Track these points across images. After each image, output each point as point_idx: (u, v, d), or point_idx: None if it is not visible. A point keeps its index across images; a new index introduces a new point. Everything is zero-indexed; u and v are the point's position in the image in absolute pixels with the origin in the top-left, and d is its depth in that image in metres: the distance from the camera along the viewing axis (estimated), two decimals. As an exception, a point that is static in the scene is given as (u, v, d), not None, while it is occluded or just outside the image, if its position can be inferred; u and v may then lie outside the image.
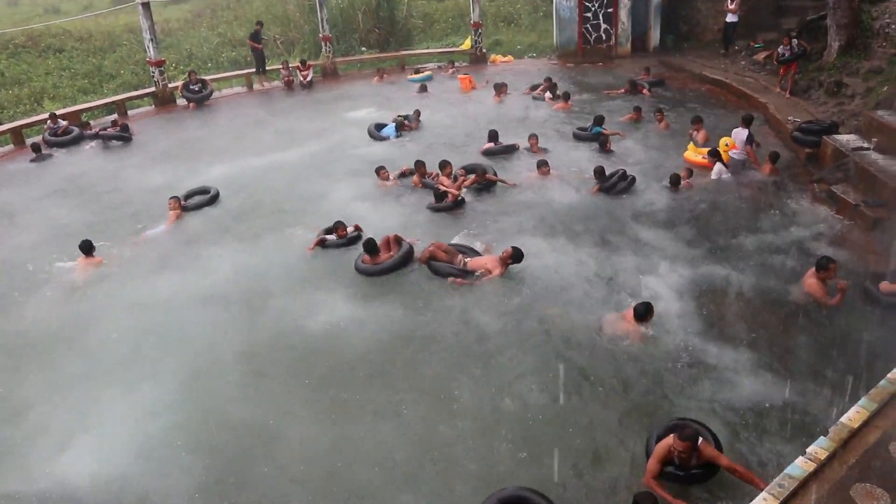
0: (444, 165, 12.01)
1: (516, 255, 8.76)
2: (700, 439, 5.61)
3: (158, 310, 8.77)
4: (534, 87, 18.60)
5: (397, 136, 15.27)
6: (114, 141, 16.78)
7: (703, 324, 7.59)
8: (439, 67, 24.01)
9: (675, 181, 11.50)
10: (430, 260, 8.95)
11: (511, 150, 13.73)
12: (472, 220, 10.79)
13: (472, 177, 11.77)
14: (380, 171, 12.25)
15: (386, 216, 11.14)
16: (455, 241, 9.67)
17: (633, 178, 11.64)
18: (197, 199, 12.46)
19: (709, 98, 17.33)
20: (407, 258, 8.91)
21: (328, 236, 9.65)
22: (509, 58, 24.72)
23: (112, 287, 9.53)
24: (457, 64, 23.52)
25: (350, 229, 9.55)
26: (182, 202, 12.07)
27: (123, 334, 8.30)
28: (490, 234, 10.09)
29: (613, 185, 11.62)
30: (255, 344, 7.94)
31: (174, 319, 8.59)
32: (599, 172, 11.70)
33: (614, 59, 22.84)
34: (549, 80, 18.48)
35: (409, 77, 22.05)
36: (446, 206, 11.05)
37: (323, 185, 12.88)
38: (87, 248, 10.01)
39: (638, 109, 15.51)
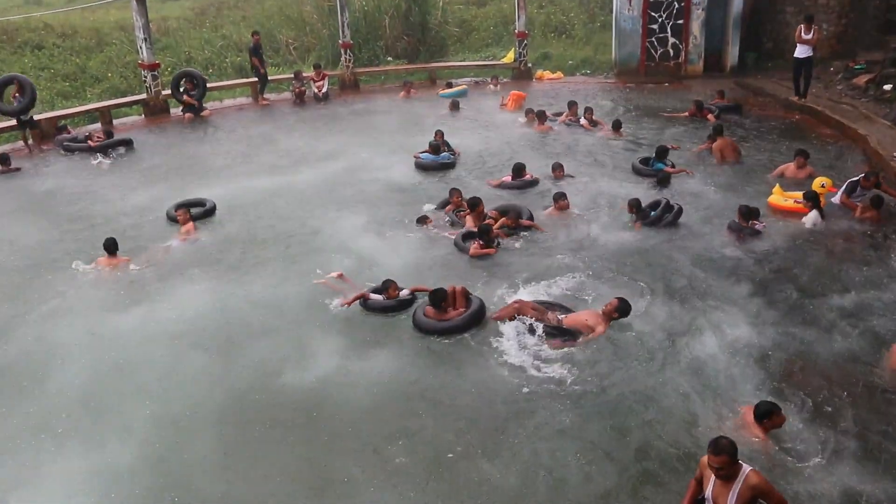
0: (475, 204, 12.11)
1: (623, 309, 8.73)
2: (749, 468, 5.63)
3: (126, 346, 8.95)
4: (558, 114, 18.84)
5: (450, 160, 15.51)
6: (118, 149, 17.50)
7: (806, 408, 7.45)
8: (476, 83, 24.41)
9: (748, 215, 11.43)
10: (518, 314, 8.95)
11: (530, 185, 13.98)
12: (497, 267, 10.85)
13: (503, 220, 11.87)
14: (425, 220, 12.27)
15: (401, 255, 11.27)
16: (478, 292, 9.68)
17: (680, 209, 11.82)
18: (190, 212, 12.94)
19: (795, 129, 17.31)
20: (480, 315, 8.94)
21: (375, 295, 9.48)
22: (559, 74, 25.03)
23: (86, 316, 9.78)
24: (502, 80, 23.90)
25: (405, 292, 9.50)
26: (188, 212, 12.65)
27: (83, 373, 8.44)
28: (520, 285, 10.15)
29: (658, 218, 11.75)
30: (236, 396, 7.98)
31: (143, 359, 8.72)
32: (635, 206, 11.87)
33: (683, 80, 22.99)
34: (572, 104, 18.71)
35: (441, 92, 22.46)
36: (485, 248, 11.09)
37: (332, 214, 13.11)
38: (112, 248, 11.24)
39: (714, 136, 15.48)
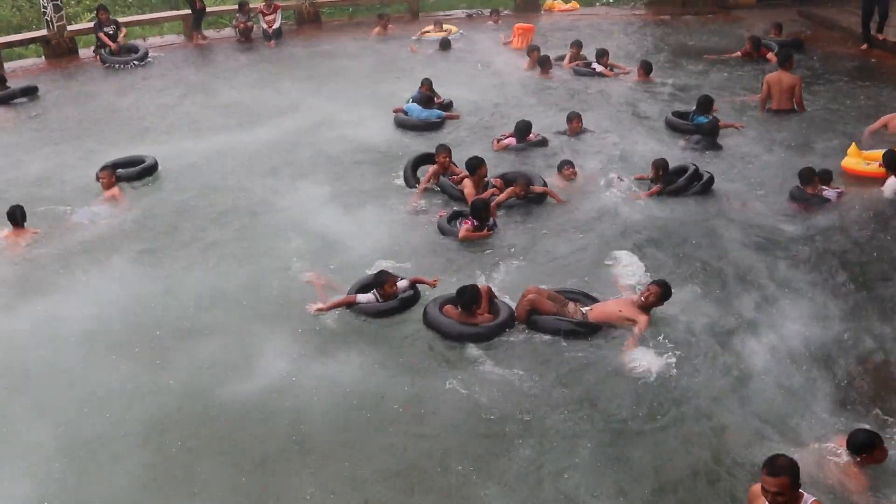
0: (476, 165, 12.13)
1: (665, 295, 8.82)
2: (812, 499, 5.68)
3: (24, 349, 8.93)
4: (561, 58, 18.86)
5: (438, 118, 15.52)
6: (19, 100, 17.48)
7: None
8: (470, 16, 24.27)
9: (812, 178, 11.43)
10: (532, 313, 8.96)
11: (539, 145, 14.07)
12: (493, 251, 10.85)
13: (510, 189, 11.89)
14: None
15: (372, 233, 11.26)
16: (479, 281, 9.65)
17: (711, 178, 12.06)
18: (124, 171, 13.10)
19: (873, 71, 17.27)
20: (512, 321, 8.97)
21: (364, 296, 9.41)
22: (573, 4, 24.91)
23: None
24: (503, 12, 23.73)
25: (403, 284, 9.45)
26: (114, 175, 12.80)
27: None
28: (522, 271, 10.15)
29: (684, 187, 11.92)
30: (163, 412, 7.93)
31: (46, 366, 8.65)
32: (662, 167, 12.09)
33: (731, 10, 22.92)
34: (576, 45, 18.73)
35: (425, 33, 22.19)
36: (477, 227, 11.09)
37: (288, 183, 13.09)
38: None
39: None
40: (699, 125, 14.19)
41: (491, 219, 11.20)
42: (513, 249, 10.82)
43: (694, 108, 14.76)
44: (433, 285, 9.59)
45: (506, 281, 10.01)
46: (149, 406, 8.03)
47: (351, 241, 11.07)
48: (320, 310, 9.38)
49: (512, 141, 14.13)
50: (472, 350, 8.63)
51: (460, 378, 8.21)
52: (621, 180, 12.47)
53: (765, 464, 5.73)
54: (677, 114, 14.93)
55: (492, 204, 11.37)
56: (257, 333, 9.09)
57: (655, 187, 12.04)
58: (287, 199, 12.51)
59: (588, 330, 8.80)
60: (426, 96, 15.66)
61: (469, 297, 8.89)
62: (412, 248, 10.95)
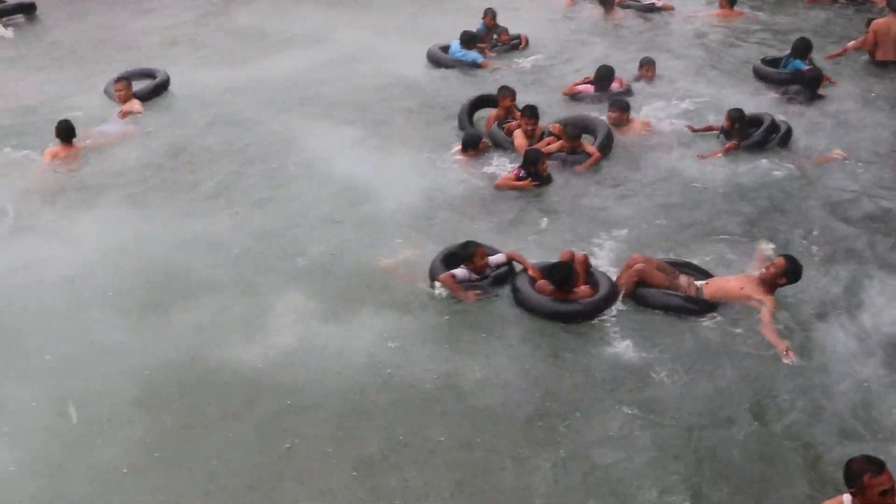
0: (529, 112, 11.93)
1: (793, 272, 8.59)
2: None
3: (4, 295, 8.95)
4: None
5: (473, 62, 15.27)
6: (14, 17, 17.52)
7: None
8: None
9: None
10: (639, 285, 8.75)
11: (623, 96, 13.69)
12: (535, 210, 10.68)
13: (559, 143, 11.68)
14: (479, 144, 11.96)
15: (405, 182, 11.10)
16: (512, 248, 9.42)
17: (789, 130, 11.97)
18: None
19: None
20: (615, 295, 8.80)
21: (459, 271, 8.94)
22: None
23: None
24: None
25: (499, 259, 9.13)
26: (131, 86, 13.16)
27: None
28: (567, 238, 9.96)
29: (761, 141, 11.77)
30: (159, 373, 7.86)
31: (30, 317, 8.68)
32: (737, 119, 11.90)
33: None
34: None
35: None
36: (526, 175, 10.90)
37: (313, 123, 12.92)
38: None
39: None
40: (796, 72, 13.77)
41: (544, 173, 11.03)
42: (562, 208, 10.68)
43: (788, 52, 14.31)
44: (531, 272, 9.00)
45: (552, 242, 9.87)
46: (140, 366, 7.97)
47: (381, 190, 10.95)
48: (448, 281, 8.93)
49: (588, 88, 13.79)
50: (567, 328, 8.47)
51: (530, 353, 8.14)
52: (694, 130, 12.31)
53: (865, 460, 5.74)
54: (768, 61, 14.48)
55: (543, 156, 11.18)
56: (268, 292, 9.01)
57: (731, 143, 11.77)
58: (311, 140, 12.35)
59: (703, 308, 8.58)
60: (468, 35, 15.34)
61: (562, 277, 8.64)
62: (448, 202, 10.81)
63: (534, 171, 10.89)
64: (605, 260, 9.52)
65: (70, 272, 9.27)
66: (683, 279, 8.78)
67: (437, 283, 8.86)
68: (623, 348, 8.14)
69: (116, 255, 9.61)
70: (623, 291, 8.78)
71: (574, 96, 13.73)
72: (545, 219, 10.48)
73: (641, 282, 8.71)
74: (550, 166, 11.25)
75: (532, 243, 9.83)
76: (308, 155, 11.97)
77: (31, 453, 6.99)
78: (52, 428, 7.28)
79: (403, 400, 7.57)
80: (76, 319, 8.63)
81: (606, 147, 11.76)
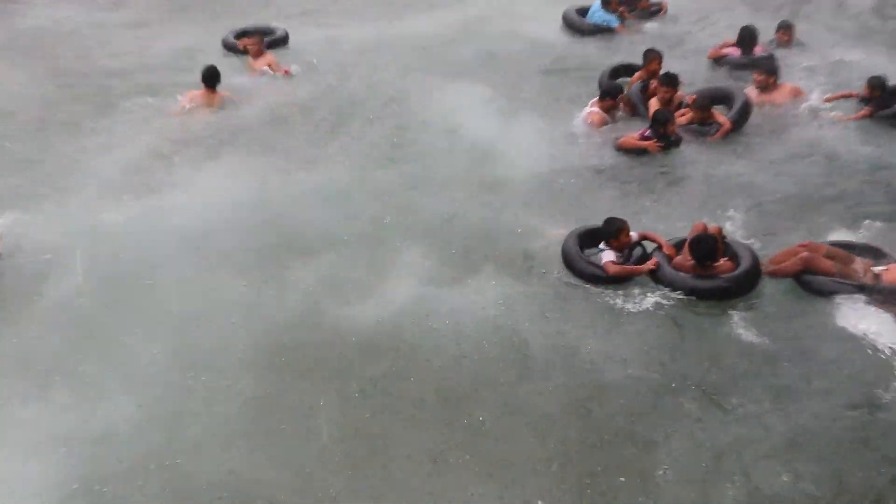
0: (667, 80, 11.62)
1: None
2: None
3: (128, 250, 9.07)
4: None
5: (608, 25, 14.95)
6: None
7: None
8: None
9: None
10: (805, 272, 8.39)
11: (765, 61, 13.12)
12: (656, 176, 10.42)
13: (691, 114, 11.35)
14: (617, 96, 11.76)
15: (534, 148, 10.95)
16: (632, 216, 9.10)
17: None
18: None
19: None
20: (758, 268, 8.49)
21: (608, 253, 8.61)
22: None
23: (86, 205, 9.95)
24: None
25: (634, 235, 8.83)
26: (263, 41, 13.40)
27: (76, 288, 8.54)
28: (687, 211, 9.64)
29: None
30: (274, 331, 7.91)
31: (149, 272, 8.77)
32: (878, 86, 11.47)
33: None
34: None
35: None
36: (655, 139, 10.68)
37: (444, 83, 12.89)
38: None
39: None
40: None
41: (672, 136, 10.77)
42: (690, 176, 10.43)
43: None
44: (666, 249, 8.69)
45: (678, 212, 9.66)
46: (263, 322, 8.03)
47: (507, 153, 10.84)
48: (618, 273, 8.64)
49: (734, 52, 13.36)
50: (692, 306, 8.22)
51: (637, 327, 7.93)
52: (829, 100, 11.86)
53: None
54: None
55: (674, 120, 10.93)
56: (388, 254, 8.96)
57: (864, 109, 11.32)
58: (439, 100, 12.31)
59: (883, 294, 8.05)
60: None
61: (706, 251, 8.34)
62: (573, 168, 10.63)
63: (662, 133, 10.64)
64: (734, 233, 9.20)
65: (194, 225, 9.41)
66: (859, 264, 8.28)
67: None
68: (756, 327, 7.86)
69: (239, 208, 9.72)
70: (780, 271, 8.42)
71: (718, 60, 13.40)
72: (671, 187, 10.28)
73: (809, 266, 8.28)
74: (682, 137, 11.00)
75: (656, 213, 9.64)
76: (435, 115, 11.91)
77: (152, 402, 7.13)
78: (173, 379, 7.40)
79: (516, 370, 7.45)
80: (199, 272, 8.75)
81: (742, 118, 11.37)
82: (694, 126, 11.23)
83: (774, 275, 8.39)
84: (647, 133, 10.71)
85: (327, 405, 7.10)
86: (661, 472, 6.37)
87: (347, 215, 9.65)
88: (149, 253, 9.01)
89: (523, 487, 6.29)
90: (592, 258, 8.60)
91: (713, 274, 8.33)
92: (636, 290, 8.35)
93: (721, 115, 11.32)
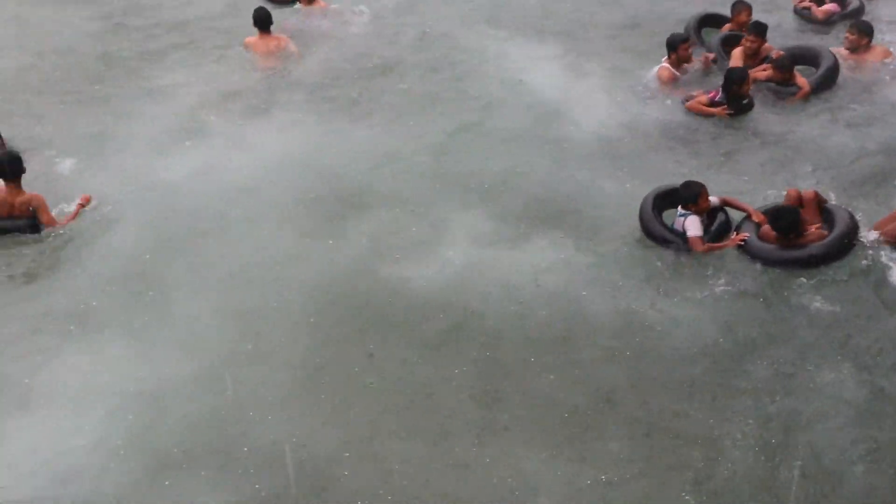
0: (755, 29, 11.28)
1: None
2: None
3: (184, 201, 9.06)
4: None
5: None
6: None
7: None
8: None
9: None
10: None
11: (855, 14, 12.74)
12: (744, 137, 10.10)
13: (770, 72, 10.91)
14: (678, 47, 11.23)
15: (601, 105, 10.69)
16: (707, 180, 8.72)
17: None
18: None
19: None
20: (853, 234, 8.20)
21: (692, 219, 8.29)
22: None
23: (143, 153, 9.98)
24: None
25: (714, 200, 8.51)
26: None
27: (131, 239, 8.53)
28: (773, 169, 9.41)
29: None
30: (330, 287, 7.85)
31: (206, 222, 8.78)
32: None
33: None
34: None
35: None
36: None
37: (508, 34, 12.71)
38: None
39: None
40: None
41: (745, 97, 10.43)
42: (768, 139, 10.11)
43: None
44: (754, 217, 8.37)
45: (757, 177, 9.39)
46: (317, 280, 7.98)
47: (571, 111, 10.63)
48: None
49: (834, 8, 12.91)
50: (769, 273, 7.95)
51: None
52: None
53: None
54: None
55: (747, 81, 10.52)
56: (445, 208, 8.87)
57: None
58: (503, 55, 12.09)
59: None
60: None
61: (787, 225, 8.04)
62: (640, 128, 10.39)
63: (734, 95, 10.30)
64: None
65: (249, 179, 9.39)
66: None
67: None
68: (834, 295, 7.63)
69: (293, 161, 9.64)
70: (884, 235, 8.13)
71: (804, 12, 13.06)
72: (745, 150, 9.97)
73: None
74: (757, 97, 10.65)
75: (729, 177, 9.39)
76: (497, 69, 11.74)
77: (202, 359, 7.11)
78: (225, 336, 7.38)
79: (575, 333, 7.34)
80: (252, 225, 8.73)
81: (827, 81, 10.98)
82: (773, 85, 10.86)
83: (889, 238, 8.09)
84: (718, 96, 10.39)
85: (378, 365, 7.06)
86: (728, 443, 6.21)
87: (403, 171, 9.57)
88: (202, 205, 9.00)
89: (581, 456, 6.18)
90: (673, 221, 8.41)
91: (799, 244, 8.04)
92: (710, 258, 8.14)
93: (801, 77, 10.92)
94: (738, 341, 7.16)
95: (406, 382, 6.87)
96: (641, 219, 8.41)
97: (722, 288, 7.76)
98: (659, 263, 8.10)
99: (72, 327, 7.46)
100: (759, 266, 7.92)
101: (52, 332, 7.40)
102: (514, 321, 7.43)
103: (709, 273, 7.93)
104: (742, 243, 8.09)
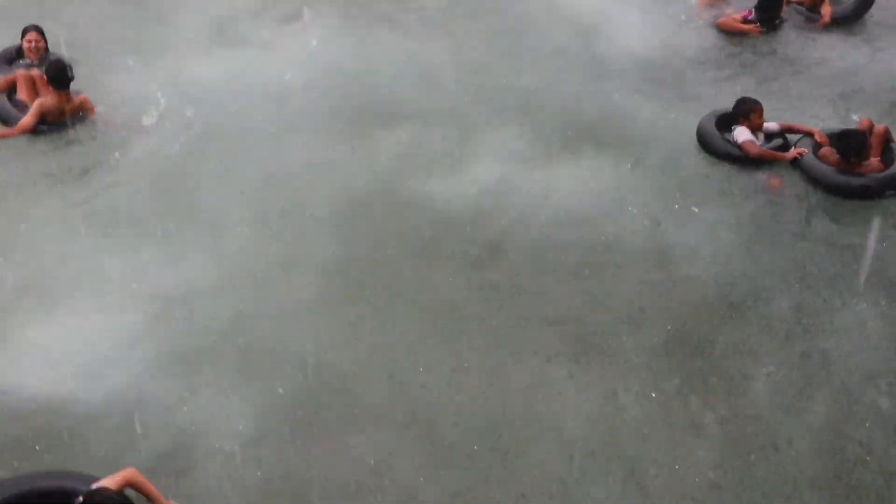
0: None
1: None
2: None
3: (219, 104, 9.09)
4: None
5: None
6: None
7: None
8: None
9: None
10: None
11: None
12: (783, 62, 9.99)
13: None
14: None
15: (635, 29, 10.51)
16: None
17: None
18: None
19: None
20: None
21: (742, 129, 8.30)
22: None
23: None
24: None
25: (774, 125, 8.49)
26: None
27: (158, 142, 8.59)
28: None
29: None
30: (362, 195, 7.84)
31: (240, 125, 8.80)
32: None
33: None
34: None
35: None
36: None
37: None
38: None
39: None
40: None
41: (778, 19, 10.41)
42: (805, 63, 10.08)
43: None
44: (818, 137, 8.34)
45: (789, 102, 9.33)
46: (345, 191, 7.97)
47: (611, 32, 10.50)
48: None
49: None
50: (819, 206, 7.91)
51: None
52: None
53: None
54: None
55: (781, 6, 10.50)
56: (477, 124, 8.80)
57: None
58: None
59: None
60: None
61: (852, 147, 7.96)
62: (681, 54, 10.29)
63: (768, 17, 10.26)
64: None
65: (281, 87, 9.36)
66: None
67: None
68: (883, 233, 7.57)
69: (328, 73, 9.59)
70: None
71: None
72: (787, 77, 9.90)
73: None
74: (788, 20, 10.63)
75: (770, 102, 9.08)
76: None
77: (231, 264, 7.13)
78: (254, 242, 7.40)
79: (605, 254, 7.25)
80: (283, 136, 8.71)
81: (862, 9, 10.87)
82: (803, 9, 10.81)
83: None
84: (751, 16, 10.32)
85: (403, 278, 7.04)
86: (757, 371, 6.17)
87: (436, 84, 9.50)
88: (235, 111, 9.00)
89: (615, 377, 6.14)
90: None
91: (859, 172, 7.95)
92: (754, 183, 8.09)
93: (828, 5, 10.78)
94: (775, 268, 7.11)
95: (429, 298, 6.84)
96: (700, 132, 8.41)
97: (762, 212, 7.71)
98: (698, 185, 8.06)
99: (103, 229, 7.47)
100: (805, 193, 7.88)
101: (84, 233, 7.40)
102: (542, 241, 7.38)
103: (749, 196, 7.88)
104: (799, 157, 8.05)
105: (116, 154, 8.40)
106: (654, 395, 6.00)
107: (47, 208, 7.67)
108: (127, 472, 4.85)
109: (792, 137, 8.49)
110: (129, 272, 6.95)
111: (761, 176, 8.13)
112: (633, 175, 8.12)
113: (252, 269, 7.07)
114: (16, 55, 9.36)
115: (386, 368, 6.17)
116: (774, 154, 8.15)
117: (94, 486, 4.65)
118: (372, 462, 5.44)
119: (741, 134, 8.12)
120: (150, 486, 4.91)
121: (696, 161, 8.37)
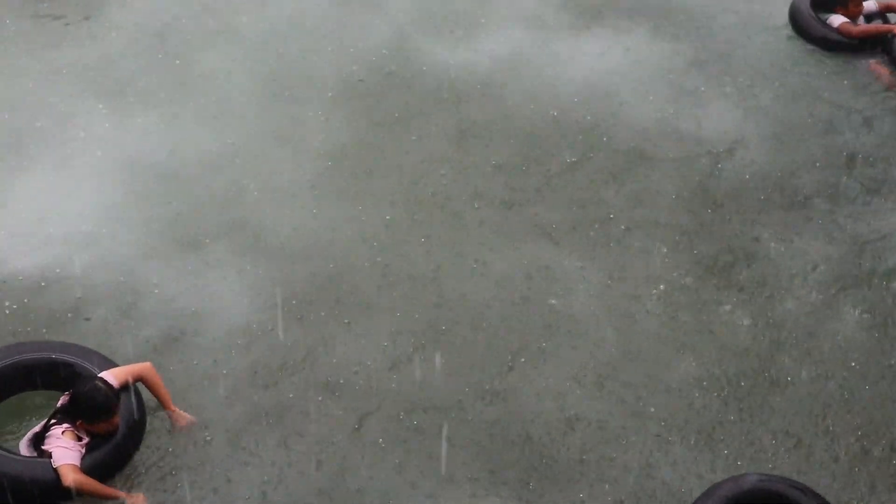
0: None
1: None
2: None
3: None
4: None
5: None
6: None
7: None
8: None
9: None
10: None
11: None
12: None
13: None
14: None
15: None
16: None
17: None
18: None
19: None
20: None
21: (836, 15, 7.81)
22: None
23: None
24: None
25: (872, 5, 7.98)
26: None
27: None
28: None
29: None
30: (368, 63, 7.62)
31: None
32: None
33: None
34: None
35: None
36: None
37: None
38: None
39: None
40: None
41: None
42: None
43: None
44: None
45: None
46: (349, 52, 7.80)
47: None
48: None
49: None
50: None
51: None
52: None
53: None
54: None
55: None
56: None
57: None
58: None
59: None
60: None
61: None
62: None
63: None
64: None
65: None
66: None
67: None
68: None
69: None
70: None
71: None
72: None
73: None
74: None
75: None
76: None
77: (229, 135, 7.01)
78: (254, 112, 7.27)
79: (626, 145, 7.01)
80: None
81: None
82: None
83: None
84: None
85: (406, 149, 6.89)
86: (788, 270, 6.01)
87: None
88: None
89: (616, 263, 6.06)
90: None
91: None
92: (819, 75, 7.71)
93: None
94: (817, 163, 6.88)
95: (432, 172, 6.72)
96: (793, 15, 7.98)
97: (817, 103, 7.43)
98: (745, 70, 7.75)
99: (94, 88, 7.25)
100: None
101: (76, 94, 7.18)
102: (553, 121, 7.17)
103: (798, 82, 7.57)
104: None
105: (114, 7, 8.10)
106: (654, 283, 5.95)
107: (41, 61, 7.45)
108: (139, 367, 4.81)
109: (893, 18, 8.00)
110: (120, 138, 6.85)
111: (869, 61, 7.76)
112: (663, 55, 7.86)
113: (250, 143, 7.04)
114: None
115: (389, 244, 6.16)
116: (879, 28, 7.73)
117: (101, 374, 4.57)
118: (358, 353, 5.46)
119: (838, 18, 7.69)
120: (161, 387, 4.86)
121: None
